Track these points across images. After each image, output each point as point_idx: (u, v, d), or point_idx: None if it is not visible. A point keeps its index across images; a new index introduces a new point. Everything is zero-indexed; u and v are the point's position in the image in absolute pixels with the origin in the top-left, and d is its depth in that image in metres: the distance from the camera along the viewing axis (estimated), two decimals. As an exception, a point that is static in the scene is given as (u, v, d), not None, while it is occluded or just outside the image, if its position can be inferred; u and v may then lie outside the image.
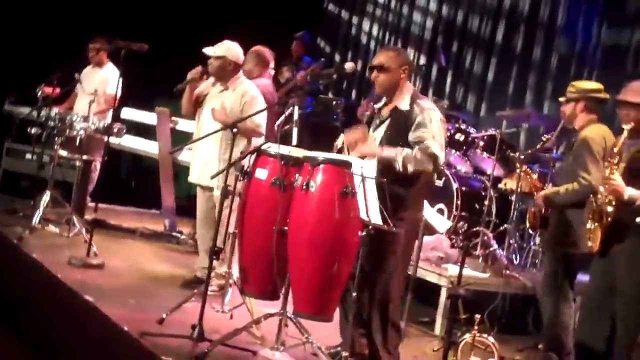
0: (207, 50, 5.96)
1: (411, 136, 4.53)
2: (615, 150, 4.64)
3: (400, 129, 4.58)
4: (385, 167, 4.47)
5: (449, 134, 7.42)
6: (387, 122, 4.68)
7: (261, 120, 5.86)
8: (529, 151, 5.82)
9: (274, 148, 4.77)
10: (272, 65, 7.04)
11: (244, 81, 6.07)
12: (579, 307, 5.85)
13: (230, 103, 5.93)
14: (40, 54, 8.86)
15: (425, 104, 4.62)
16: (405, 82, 4.73)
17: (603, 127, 5.32)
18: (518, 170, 5.74)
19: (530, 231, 5.72)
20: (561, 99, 5.50)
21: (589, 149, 5.12)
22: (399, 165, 4.44)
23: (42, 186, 7.20)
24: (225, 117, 5.72)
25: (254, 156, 4.85)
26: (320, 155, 4.56)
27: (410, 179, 4.52)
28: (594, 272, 4.95)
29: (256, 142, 5.77)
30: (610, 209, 4.59)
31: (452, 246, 6.50)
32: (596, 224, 4.66)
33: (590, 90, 5.42)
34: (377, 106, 4.88)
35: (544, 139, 5.79)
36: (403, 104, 4.64)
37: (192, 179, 6.09)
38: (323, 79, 7.65)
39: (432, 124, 4.53)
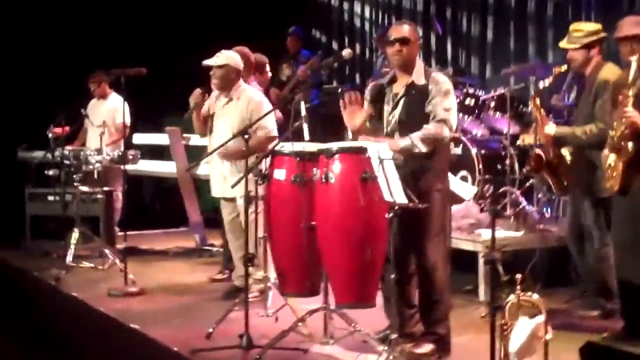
0: (209, 62, 5.93)
1: (426, 109, 4.56)
2: (629, 82, 4.60)
3: (418, 104, 4.59)
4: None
5: (458, 100, 7.36)
6: (403, 100, 4.64)
7: (271, 124, 5.87)
8: (545, 82, 5.66)
9: (287, 147, 4.79)
10: (266, 60, 7.04)
11: (246, 88, 6.07)
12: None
13: (238, 113, 5.91)
14: (42, 96, 8.91)
15: (439, 78, 4.64)
16: (417, 58, 4.74)
17: (615, 67, 5.30)
18: (531, 104, 5.63)
19: (530, 174, 5.59)
20: (571, 46, 5.40)
21: (609, 92, 5.08)
22: (420, 148, 4.46)
23: (69, 225, 7.26)
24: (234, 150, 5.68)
25: (269, 158, 4.88)
26: (334, 145, 4.56)
27: (433, 151, 4.53)
28: (618, 211, 4.90)
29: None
30: (630, 144, 4.55)
31: (482, 211, 6.47)
32: (616, 157, 4.62)
33: (597, 32, 5.38)
34: (382, 82, 4.82)
35: (555, 71, 5.65)
36: (419, 78, 4.64)
37: (215, 193, 6.08)
38: (323, 69, 7.67)
39: (445, 97, 4.56)
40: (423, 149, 4.47)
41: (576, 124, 5.44)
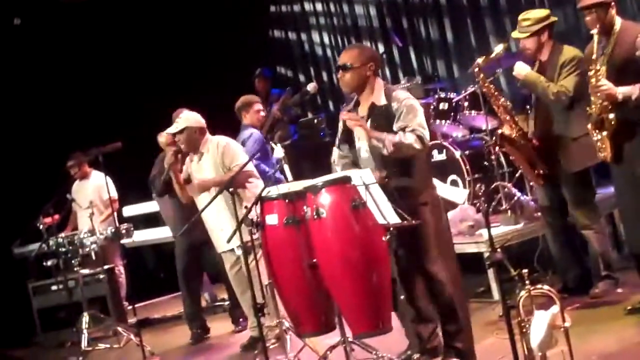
0: (169, 130, 6.14)
1: (395, 127, 4.50)
2: (593, 57, 4.65)
3: (383, 124, 4.55)
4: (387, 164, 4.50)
5: (432, 107, 7.41)
6: (369, 122, 4.62)
7: (242, 158, 5.97)
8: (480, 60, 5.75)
9: (274, 191, 4.80)
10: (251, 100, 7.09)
11: (211, 138, 6.18)
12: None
13: (212, 163, 6.03)
14: (26, 190, 8.93)
15: (400, 95, 4.59)
16: (375, 79, 4.67)
17: (571, 47, 5.49)
18: (479, 81, 5.71)
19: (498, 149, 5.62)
20: (522, 35, 5.50)
21: (577, 67, 5.27)
22: (387, 149, 4.42)
23: (78, 310, 7.25)
24: (204, 185, 5.83)
25: (259, 205, 4.88)
26: (318, 181, 4.57)
27: (410, 165, 4.50)
28: (617, 180, 4.96)
29: (254, 185, 5.92)
30: (611, 115, 4.60)
31: (478, 211, 6.48)
32: (602, 133, 4.68)
33: (546, 17, 5.48)
34: (348, 108, 4.85)
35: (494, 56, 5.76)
36: (379, 99, 4.62)
37: (219, 249, 6.11)
38: (293, 107, 7.70)
39: (412, 111, 4.50)
40: (389, 150, 4.41)
41: (537, 112, 5.54)
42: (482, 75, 5.60)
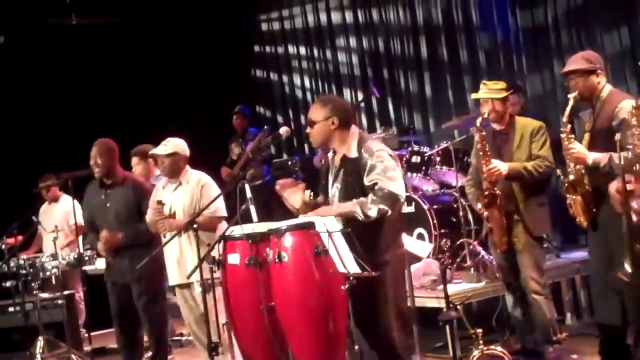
0: (157, 151, 6.06)
1: (366, 180, 4.49)
2: (564, 120, 4.71)
3: (354, 177, 4.55)
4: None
5: (404, 159, 7.47)
6: (341, 173, 4.65)
7: (220, 203, 5.92)
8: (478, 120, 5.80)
9: (237, 230, 4.80)
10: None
11: (192, 172, 6.15)
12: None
13: (188, 196, 5.98)
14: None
15: (373, 146, 4.56)
16: (344, 131, 4.64)
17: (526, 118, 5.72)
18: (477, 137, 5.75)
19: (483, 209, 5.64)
20: (495, 96, 5.56)
21: (547, 135, 5.48)
22: (360, 216, 4.40)
23: (33, 334, 7.15)
24: (177, 223, 5.75)
25: (222, 244, 4.88)
26: (283, 224, 4.59)
27: (381, 223, 4.47)
28: (592, 247, 4.99)
29: (223, 226, 5.84)
30: (571, 177, 4.66)
31: (442, 265, 6.50)
32: (574, 196, 4.71)
33: (508, 87, 5.61)
34: (330, 155, 4.86)
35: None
36: (350, 151, 4.61)
37: (171, 282, 6.07)
38: (265, 149, 7.73)
39: (383, 164, 4.47)
40: (363, 217, 4.40)
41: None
42: (481, 133, 5.60)
